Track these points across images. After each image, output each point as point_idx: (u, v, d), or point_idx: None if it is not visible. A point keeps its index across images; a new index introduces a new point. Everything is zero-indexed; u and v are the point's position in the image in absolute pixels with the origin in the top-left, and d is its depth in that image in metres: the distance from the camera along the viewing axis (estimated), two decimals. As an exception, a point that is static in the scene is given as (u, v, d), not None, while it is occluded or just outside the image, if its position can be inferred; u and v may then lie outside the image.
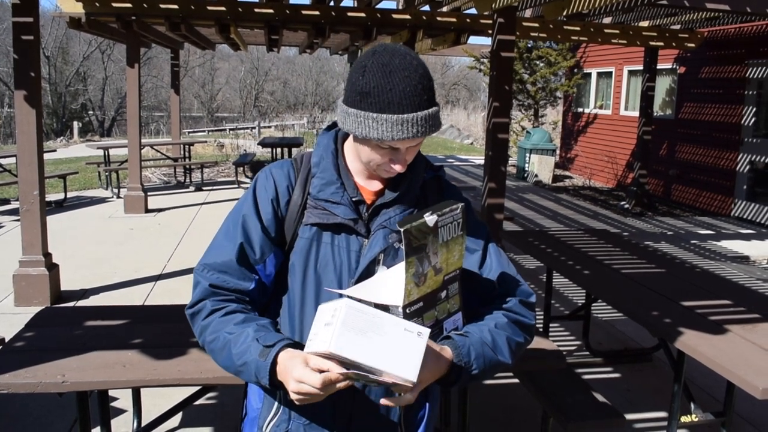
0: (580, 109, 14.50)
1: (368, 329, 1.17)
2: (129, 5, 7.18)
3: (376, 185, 1.47)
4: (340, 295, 1.30)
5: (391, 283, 1.28)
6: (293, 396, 1.23)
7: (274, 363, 1.27)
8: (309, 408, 1.39)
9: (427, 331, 1.20)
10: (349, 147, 1.47)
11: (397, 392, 1.23)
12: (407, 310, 1.25)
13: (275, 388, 1.31)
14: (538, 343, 2.74)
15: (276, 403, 1.46)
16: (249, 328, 1.35)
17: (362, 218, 1.43)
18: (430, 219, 1.24)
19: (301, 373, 1.19)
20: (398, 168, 1.37)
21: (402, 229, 1.20)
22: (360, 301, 1.28)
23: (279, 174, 1.48)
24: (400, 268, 1.25)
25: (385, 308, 1.27)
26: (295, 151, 12.89)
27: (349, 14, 7.69)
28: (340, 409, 1.41)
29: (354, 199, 1.43)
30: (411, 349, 1.17)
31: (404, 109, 1.29)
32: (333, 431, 1.42)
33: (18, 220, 5.76)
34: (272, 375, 1.27)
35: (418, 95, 1.30)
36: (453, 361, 1.30)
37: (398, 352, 1.16)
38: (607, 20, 8.78)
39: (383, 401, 1.26)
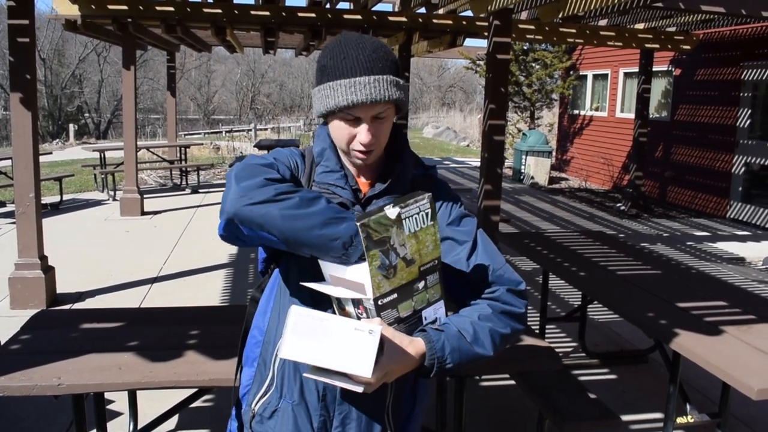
0: (576, 111, 14.54)
1: (318, 333, 1.23)
2: (125, 7, 7.17)
3: (367, 177, 1.50)
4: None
5: (359, 276, 1.29)
6: None
7: None
8: (299, 390, 1.44)
9: (378, 328, 1.23)
10: None
11: (362, 389, 1.27)
12: (379, 302, 1.28)
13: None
14: (534, 344, 2.74)
15: (267, 382, 1.48)
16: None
17: (360, 205, 1.46)
18: (391, 211, 1.25)
19: None
20: (364, 139, 1.38)
21: (359, 224, 1.21)
22: (338, 298, 1.32)
23: (298, 157, 1.52)
24: (365, 262, 1.27)
25: (359, 300, 1.30)
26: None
27: (346, 16, 7.70)
28: (326, 393, 1.43)
29: (353, 187, 1.47)
30: (362, 347, 1.21)
31: (356, 73, 1.36)
32: (319, 416, 1.44)
33: (14, 223, 5.75)
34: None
35: (371, 62, 1.37)
36: (426, 354, 1.34)
37: (350, 352, 1.21)
38: (602, 22, 8.81)
39: (343, 385, 1.28)
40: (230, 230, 1.34)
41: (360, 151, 1.41)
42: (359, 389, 1.26)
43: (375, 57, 1.38)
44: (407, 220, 1.26)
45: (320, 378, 1.27)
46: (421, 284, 1.33)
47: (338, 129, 1.42)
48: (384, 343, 1.26)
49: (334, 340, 1.22)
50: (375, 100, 1.35)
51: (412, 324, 1.35)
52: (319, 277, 1.39)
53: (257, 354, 1.53)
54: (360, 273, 1.29)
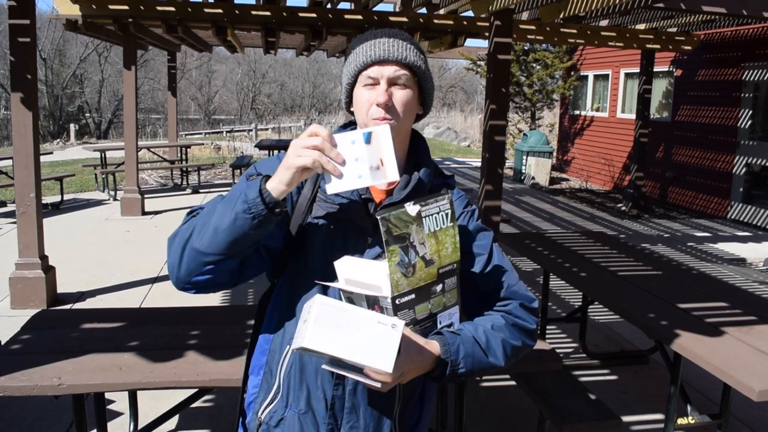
0: (576, 112, 14.53)
1: (341, 324, 1.21)
2: (125, 7, 7.17)
3: (386, 184, 1.48)
4: (324, 290, 1.32)
5: (379, 274, 1.29)
6: (297, 161, 1.25)
7: (262, 187, 1.29)
8: (306, 398, 1.42)
9: (401, 323, 1.22)
10: None
11: (379, 384, 1.25)
12: (397, 302, 1.27)
13: (262, 207, 1.27)
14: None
15: (273, 390, 1.47)
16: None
17: (369, 216, 1.44)
18: (411, 208, 1.25)
19: (299, 140, 1.28)
20: (379, 99, 1.38)
21: (379, 218, 1.21)
22: (350, 293, 1.31)
23: None
24: (382, 261, 1.27)
25: (374, 300, 1.29)
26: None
27: (346, 17, 7.69)
28: (335, 402, 1.42)
29: (363, 196, 1.45)
30: (385, 341, 1.20)
31: (377, 36, 1.43)
32: (327, 424, 1.43)
33: (14, 223, 5.75)
34: (262, 196, 1.27)
35: (394, 33, 1.44)
36: (440, 357, 1.33)
37: (372, 344, 1.20)
38: (603, 23, 8.80)
39: (357, 377, 1.26)
40: (194, 287, 1.40)
41: (376, 119, 1.40)
42: (377, 385, 1.25)
43: (398, 32, 1.45)
44: (427, 218, 1.27)
45: (338, 370, 1.26)
46: (438, 287, 1.33)
47: (359, 99, 1.42)
48: (401, 342, 1.24)
49: (356, 332, 1.21)
50: (391, 55, 1.38)
51: (426, 327, 1.35)
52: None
53: (263, 362, 1.52)
54: (378, 275, 1.29)
